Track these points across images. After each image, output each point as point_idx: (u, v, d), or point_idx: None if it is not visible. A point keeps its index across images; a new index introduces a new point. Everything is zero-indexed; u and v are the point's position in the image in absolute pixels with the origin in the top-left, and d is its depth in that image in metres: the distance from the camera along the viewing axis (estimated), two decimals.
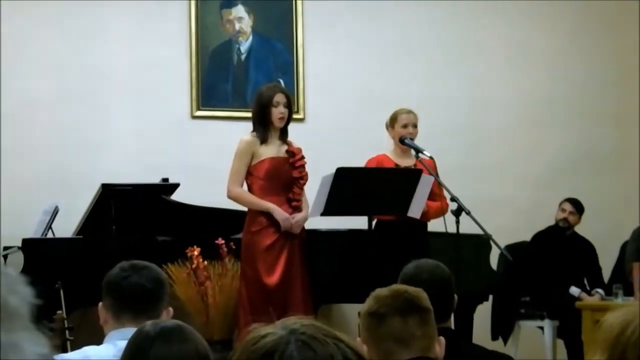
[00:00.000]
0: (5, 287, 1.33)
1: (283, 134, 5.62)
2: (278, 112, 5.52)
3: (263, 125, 5.56)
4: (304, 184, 5.63)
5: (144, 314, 2.63)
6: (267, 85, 6.01)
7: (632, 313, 1.72)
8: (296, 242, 5.56)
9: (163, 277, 2.86)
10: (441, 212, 5.63)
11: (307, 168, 5.67)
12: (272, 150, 5.57)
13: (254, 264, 5.46)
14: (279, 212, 5.49)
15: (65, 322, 3.40)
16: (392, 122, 5.85)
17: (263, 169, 5.54)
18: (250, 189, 5.58)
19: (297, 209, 5.58)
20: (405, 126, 5.80)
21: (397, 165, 5.79)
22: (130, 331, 2.34)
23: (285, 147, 5.62)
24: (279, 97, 5.55)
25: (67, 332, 3.38)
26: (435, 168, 5.71)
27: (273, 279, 5.42)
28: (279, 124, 5.56)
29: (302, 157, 5.64)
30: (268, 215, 5.49)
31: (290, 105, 5.65)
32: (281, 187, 5.58)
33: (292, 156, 5.61)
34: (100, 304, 2.80)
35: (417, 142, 5.75)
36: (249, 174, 5.57)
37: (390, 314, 2.39)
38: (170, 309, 2.81)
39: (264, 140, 5.55)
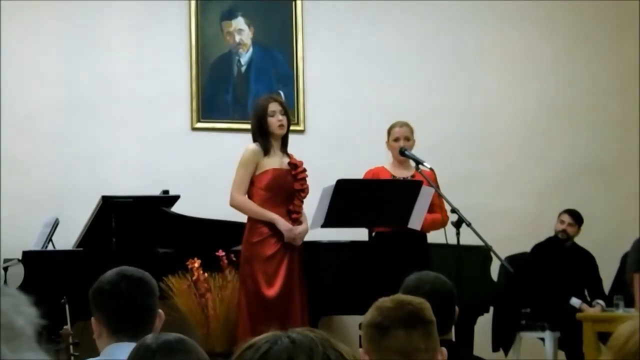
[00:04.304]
0: (12, 308, 1.34)
1: (284, 145, 5.62)
2: (276, 120, 5.52)
3: (263, 137, 5.55)
4: (305, 196, 5.62)
5: (142, 331, 2.60)
6: (262, 96, 6.03)
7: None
8: (295, 253, 5.55)
9: (153, 285, 2.79)
10: (440, 224, 5.61)
11: (308, 180, 5.67)
12: (275, 161, 5.57)
13: (254, 275, 5.45)
14: (283, 223, 5.48)
15: (71, 337, 3.39)
16: (387, 135, 5.87)
17: (266, 180, 5.53)
18: (250, 199, 5.57)
19: (297, 222, 5.57)
20: (396, 140, 5.80)
21: (393, 176, 5.78)
22: (128, 345, 2.33)
23: (287, 159, 5.62)
24: (274, 106, 5.55)
25: (72, 347, 3.36)
26: (435, 179, 5.71)
27: (273, 290, 5.41)
28: (280, 131, 5.54)
29: (304, 170, 5.65)
30: (269, 225, 5.48)
31: (287, 113, 5.64)
32: (282, 198, 5.57)
33: (294, 168, 5.61)
34: (93, 318, 2.74)
35: (418, 152, 5.75)
36: (251, 184, 5.56)
37: (394, 326, 2.37)
38: (161, 312, 2.79)
39: (266, 151, 5.55)
